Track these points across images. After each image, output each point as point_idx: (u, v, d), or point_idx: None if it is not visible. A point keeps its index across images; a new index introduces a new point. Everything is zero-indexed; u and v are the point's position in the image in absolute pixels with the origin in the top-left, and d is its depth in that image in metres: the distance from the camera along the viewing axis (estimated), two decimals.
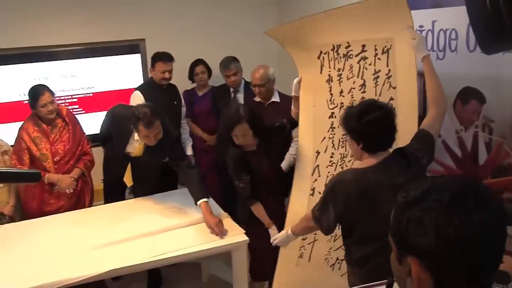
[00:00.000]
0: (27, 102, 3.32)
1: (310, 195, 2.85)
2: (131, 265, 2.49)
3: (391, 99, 2.47)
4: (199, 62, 4.19)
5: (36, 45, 4.20)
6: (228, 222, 2.89)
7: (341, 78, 2.68)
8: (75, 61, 4.33)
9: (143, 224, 2.92)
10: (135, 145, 3.19)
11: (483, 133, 2.45)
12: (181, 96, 4.04)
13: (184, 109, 4.05)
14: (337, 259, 2.73)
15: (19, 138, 3.25)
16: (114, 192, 3.49)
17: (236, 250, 2.72)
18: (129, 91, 3.88)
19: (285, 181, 3.10)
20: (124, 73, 4.40)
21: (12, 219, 3.24)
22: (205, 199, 2.90)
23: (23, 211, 3.36)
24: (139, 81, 4.44)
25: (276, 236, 2.60)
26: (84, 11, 4.24)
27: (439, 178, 0.89)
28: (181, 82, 4.16)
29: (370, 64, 2.54)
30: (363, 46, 2.54)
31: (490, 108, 2.38)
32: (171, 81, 3.88)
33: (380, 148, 1.98)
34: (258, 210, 2.86)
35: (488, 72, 2.35)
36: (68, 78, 3.89)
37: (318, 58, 2.76)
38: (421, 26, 2.70)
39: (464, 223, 0.77)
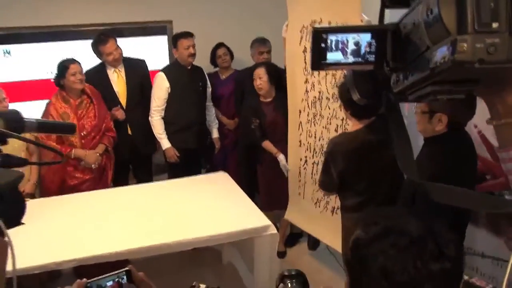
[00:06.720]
0: (53, 79, 3.35)
1: (299, 146, 3.34)
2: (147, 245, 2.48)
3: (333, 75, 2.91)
4: (220, 45, 4.16)
5: (63, 24, 4.20)
6: (251, 208, 2.88)
7: None
8: None
9: (165, 207, 2.94)
10: (115, 80, 3.67)
11: None
12: (207, 78, 3.98)
13: (209, 90, 4.00)
14: (318, 199, 3.27)
15: (47, 114, 3.34)
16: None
17: (258, 236, 2.67)
18: (155, 73, 3.82)
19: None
20: (150, 55, 4.34)
21: (32, 196, 3.28)
22: None
23: (44, 186, 3.40)
24: (166, 63, 4.38)
25: (284, 163, 3.39)
26: None
27: (402, 213, 0.89)
28: (209, 65, 4.16)
29: None
30: (329, 23, 2.85)
31: None
32: (197, 64, 3.84)
33: (365, 115, 2.31)
34: (266, 144, 3.46)
35: None
36: (95, 58, 3.88)
37: (300, 31, 3.11)
38: None
39: (419, 272, 0.77)
